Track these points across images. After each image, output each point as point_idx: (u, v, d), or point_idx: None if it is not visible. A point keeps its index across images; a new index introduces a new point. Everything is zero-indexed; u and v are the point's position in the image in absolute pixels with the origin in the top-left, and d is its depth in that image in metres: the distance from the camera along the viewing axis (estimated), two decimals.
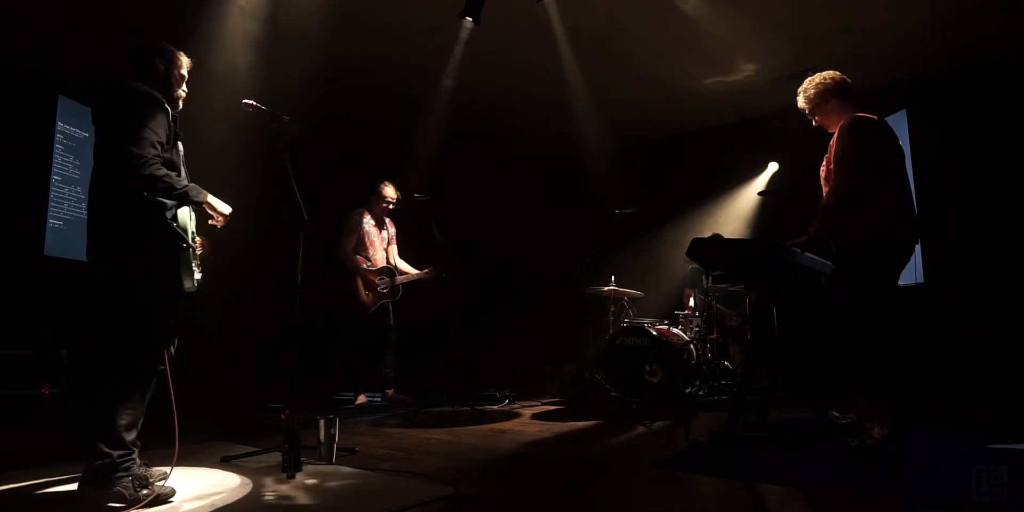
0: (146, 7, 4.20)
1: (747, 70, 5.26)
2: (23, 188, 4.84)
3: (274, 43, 4.45)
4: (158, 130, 2.07)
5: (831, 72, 3.02)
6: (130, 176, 2.02)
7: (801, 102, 3.08)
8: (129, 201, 2.05)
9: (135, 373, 2.03)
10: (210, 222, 2.33)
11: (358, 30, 4.54)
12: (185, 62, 2.34)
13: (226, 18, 4.27)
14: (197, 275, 2.16)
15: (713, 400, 4.42)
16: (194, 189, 2.15)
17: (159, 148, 2.07)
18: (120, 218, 2.05)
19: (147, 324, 2.06)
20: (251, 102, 2.66)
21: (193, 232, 2.21)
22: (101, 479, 1.95)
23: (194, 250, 2.16)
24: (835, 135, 2.87)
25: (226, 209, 2.32)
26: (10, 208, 4.75)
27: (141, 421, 2.06)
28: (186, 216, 2.18)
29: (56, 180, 5.00)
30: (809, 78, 3.07)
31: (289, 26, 4.32)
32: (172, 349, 2.15)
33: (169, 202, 2.12)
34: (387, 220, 4.70)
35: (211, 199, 2.25)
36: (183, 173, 2.25)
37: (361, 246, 4.49)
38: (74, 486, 2.02)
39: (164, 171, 2.06)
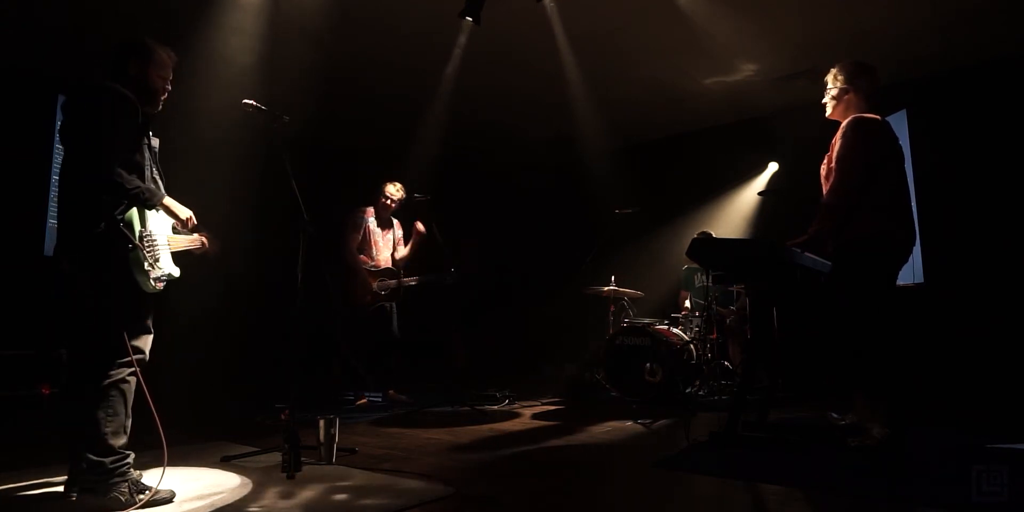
0: (146, 7, 4.20)
1: (747, 70, 5.26)
2: (23, 188, 4.84)
3: (274, 43, 4.44)
4: (118, 129, 2.04)
5: (873, 66, 2.97)
6: (84, 177, 2.01)
7: (829, 77, 3.02)
8: (88, 202, 2.03)
9: (103, 376, 1.99)
10: (174, 225, 2.30)
11: (358, 30, 4.54)
12: (166, 59, 2.26)
13: (227, 18, 4.27)
14: (156, 273, 2.10)
15: (713, 400, 4.41)
16: (147, 191, 2.10)
17: (117, 149, 2.03)
18: (80, 219, 2.03)
19: (106, 326, 2.02)
20: (251, 102, 2.66)
21: (143, 231, 2.12)
22: (96, 485, 1.94)
23: (142, 250, 2.08)
24: (837, 133, 2.87)
25: (184, 213, 2.29)
26: (10, 208, 4.75)
27: (129, 423, 2.04)
28: (134, 215, 2.11)
29: (56, 180, 5.00)
30: (855, 61, 2.99)
31: (289, 26, 4.31)
32: (146, 352, 2.12)
33: (122, 202, 2.07)
34: (395, 221, 4.69)
35: (168, 202, 2.23)
36: (150, 174, 2.19)
37: (365, 245, 4.48)
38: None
39: (116, 171, 2.02)
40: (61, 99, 5.04)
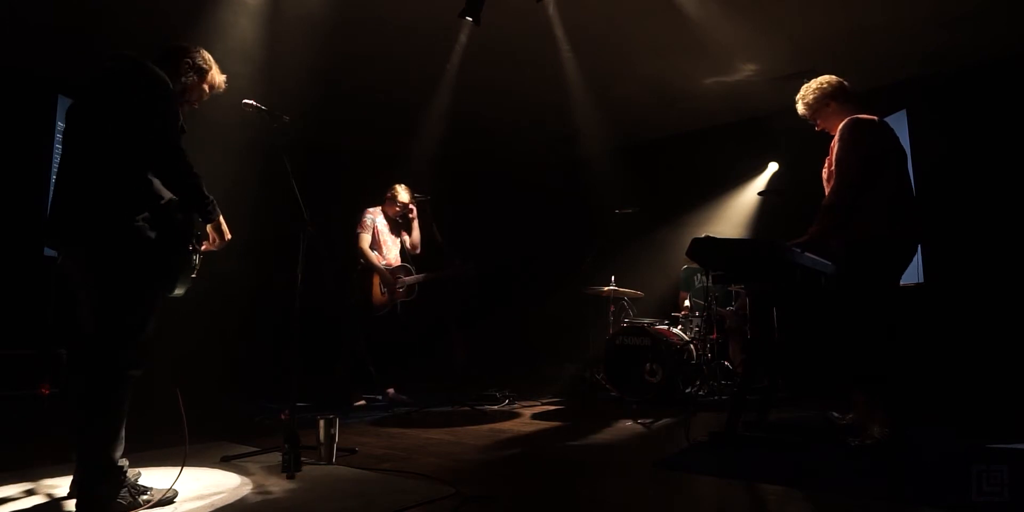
0: (146, 5, 4.20)
1: (747, 70, 5.26)
2: (23, 188, 4.84)
3: (274, 43, 4.44)
4: (177, 118, 1.95)
5: (828, 76, 3.02)
6: (162, 164, 1.88)
7: (801, 109, 3.08)
8: (136, 189, 1.88)
9: (111, 378, 1.88)
10: (204, 246, 2.16)
11: (357, 30, 4.54)
12: (216, 83, 2.23)
13: (226, 18, 4.26)
14: (189, 282, 2.04)
15: (713, 400, 4.42)
16: (214, 204, 2.03)
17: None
18: (120, 206, 1.86)
19: (115, 327, 1.89)
20: (251, 102, 2.66)
21: (200, 235, 2.08)
22: (94, 492, 1.88)
23: (199, 254, 2.04)
24: (836, 136, 2.88)
25: (228, 235, 2.19)
26: (10, 208, 4.75)
27: (125, 422, 1.97)
28: (195, 219, 2.06)
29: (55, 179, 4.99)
30: (805, 85, 3.06)
31: (288, 26, 4.31)
32: (154, 354, 2.05)
33: (165, 197, 1.95)
34: (405, 223, 4.68)
35: (222, 219, 2.12)
36: None
37: (375, 244, 4.49)
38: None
39: (195, 169, 1.93)
40: (63, 100, 5.05)
